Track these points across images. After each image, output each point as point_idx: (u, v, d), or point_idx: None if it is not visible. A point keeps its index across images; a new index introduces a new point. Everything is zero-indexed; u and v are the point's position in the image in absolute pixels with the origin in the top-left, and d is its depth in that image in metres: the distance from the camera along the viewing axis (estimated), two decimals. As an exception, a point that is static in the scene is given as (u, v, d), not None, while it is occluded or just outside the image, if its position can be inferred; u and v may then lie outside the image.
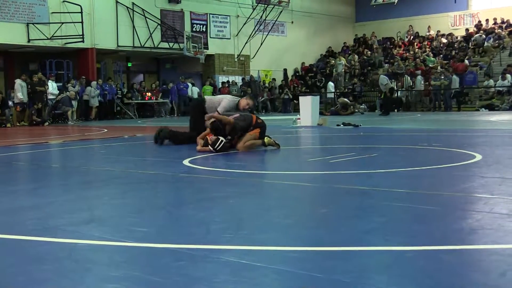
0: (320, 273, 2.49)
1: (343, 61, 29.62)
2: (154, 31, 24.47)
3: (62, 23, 21.24)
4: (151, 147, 9.31)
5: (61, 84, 21.57)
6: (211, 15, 27.01)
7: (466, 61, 25.75)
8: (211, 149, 7.69)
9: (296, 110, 21.66)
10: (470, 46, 27.92)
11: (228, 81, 26.90)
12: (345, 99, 22.81)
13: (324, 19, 32.17)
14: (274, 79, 29.11)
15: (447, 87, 23.37)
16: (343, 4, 33.70)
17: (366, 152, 7.78)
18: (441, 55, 27.72)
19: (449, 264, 2.59)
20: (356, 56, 30.67)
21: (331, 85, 26.90)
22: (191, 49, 24.71)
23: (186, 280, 2.46)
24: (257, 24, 27.55)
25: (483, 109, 22.06)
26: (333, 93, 26.48)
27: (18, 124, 19.48)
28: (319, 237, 3.18)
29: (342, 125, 13.72)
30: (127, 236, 3.24)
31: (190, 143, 8.82)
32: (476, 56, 27.06)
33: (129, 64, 26.70)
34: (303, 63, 31.48)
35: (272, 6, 27.08)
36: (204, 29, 26.63)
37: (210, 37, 26.95)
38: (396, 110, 23.14)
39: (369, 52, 31.06)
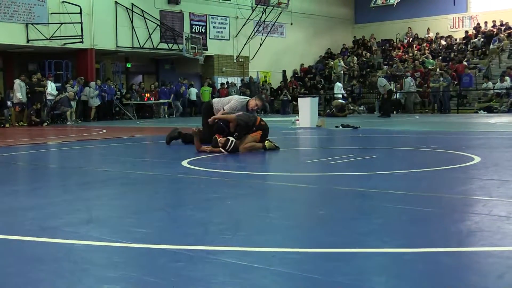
0: (318, 274, 2.49)
1: (341, 62, 29.61)
2: (153, 32, 24.46)
3: (61, 23, 21.23)
4: (150, 148, 9.30)
5: (60, 84, 21.56)
6: (210, 16, 27.01)
7: (465, 62, 25.79)
8: (222, 150, 7.69)
9: (295, 111, 21.66)
10: (468, 48, 27.95)
11: (227, 82, 26.91)
12: (339, 101, 22.82)
13: (323, 21, 32.19)
14: (265, 81, 29.00)
15: (446, 89, 23.39)
16: (342, 6, 33.73)
17: (365, 154, 7.78)
18: (440, 57, 27.74)
19: (447, 266, 2.59)
20: (355, 58, 30.69)
21: (338, 85, 26.73)
22: (190, 50, 24.71)
23: (184, 281, 2.46)
24: (256, 25, 27.55)
25: (481, 111, 22.08)
26: (341, 94, 26.36)
27: (17, 124, 19.46)
28: (318, 238, 3.18)
29: (340, 127, 13.73)
30: (126, 237, 3.24)
31: (204, 143, 8.60)
32: (475, 58, 27.08)
33: (128, 65, 26.68)
34: (302, 64, 31.49)
35: (272, 7, 27.08)
36: (203, 30, 26.63)
37: (209, 38, 26.96)
38: (394, 112, 23.15)
39: (368, 54, 31.08)
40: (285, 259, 2.78)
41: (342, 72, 28.92)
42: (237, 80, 27.55)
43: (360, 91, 27.52)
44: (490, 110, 22.04)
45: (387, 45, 31.93)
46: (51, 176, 6.61)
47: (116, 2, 23.42)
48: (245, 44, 27.91)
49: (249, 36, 27.79)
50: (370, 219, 3.62)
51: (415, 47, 30.09)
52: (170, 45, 25.05)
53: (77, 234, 3.31)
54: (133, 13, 23.92)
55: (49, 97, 20.39)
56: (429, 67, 26.48)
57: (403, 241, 3.05)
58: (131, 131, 14.27)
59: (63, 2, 21.61)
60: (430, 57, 27.99)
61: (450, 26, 31.07)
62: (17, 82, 19.47)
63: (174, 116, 24.67)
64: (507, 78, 22.85)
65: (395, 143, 9.96)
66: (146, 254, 2.93)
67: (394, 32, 32.28)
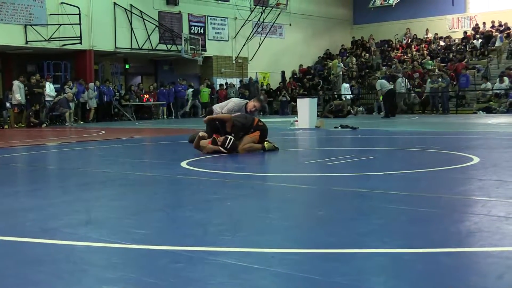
0: (318, 275, 2.49)
1: (340, 63, 29.61)
2: (152, 33, 24.45)
3: (60, 24, 21.21)
4: (149, 149, 9.30)
5: (58, 85, 21.55)
6: (209, 17, 27.01)
7: (464, 62, 25.81)
8: (222, 149, 7.70)
9: (294, 112, 21.66)
10: (467, 49, 27.96)
11: (226, 83, 26.90)
12: (339, 101, 22.83)
13: (322, 22, 32.20)
14: (258, 82, 28.99)
15: (445, 90, 23.39)
16: (341, 7, 33.74)
17: (364, 154, 7.78)
18: (439, 58, 27.75)
19: (447, 267, 2.59)
20: (354, 59, 30.70)
21: (344, 86, 26.64)
22: (189, 51, 24.71)
23: (184, 282, 2.46)
24: (255, 26, 27.56)
25: (480, 111, 22.09)
26: (349, 95, 26.26)
27: (15, 125, 19.44)
28: (317, 239, 3.18)
29: (339, 128, 13.73)
30: (125, 238, 3.24)
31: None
32: (473, 59, 27.10)
33: (127, 66, 26.67)
34: (301, 65, 31.49)
35: (270, 8, 27.09)
36: (202, 31, 26.62)
37: (208, 39, 26.95)
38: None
39: (366, 55, 31.08)
40: (285, 259, 2.78)
41: (341, 72, 28.93)
42: (236, 81, 27.55)
43: (359, 92, 27.52)
44: (489, 110, 22.05)
45: (386, 45, 31.94)
46: (50, 177, 6.61)
47: (115, 3, 23.41)
48: (244, 45, 27.90)
49: (248, 37, 27.78)
50: (369, 219, 3.62)
51: (414, 47, 30.11)
52: (169, 46, 25.05)
53: (76, 235, 3.31)
54: (132, 14, 23.91)
55: (48, 98, 20.37)
56: (428, 68, 26.48)
57: (402, 242, 3.05)
58: (130, 132, 14.27)
59: (61, 3, 21.60)
60: (428, 57, 28.02)
61: (449, 26, 31.09)
62: (15, 83, 19.44)
63: (173, 117, 24.68)
64: (506, 78, 22.86)
65: (394, 144, 9.97)
66: (145, 255, 2.93)
67: (393, 32, 32.29)
